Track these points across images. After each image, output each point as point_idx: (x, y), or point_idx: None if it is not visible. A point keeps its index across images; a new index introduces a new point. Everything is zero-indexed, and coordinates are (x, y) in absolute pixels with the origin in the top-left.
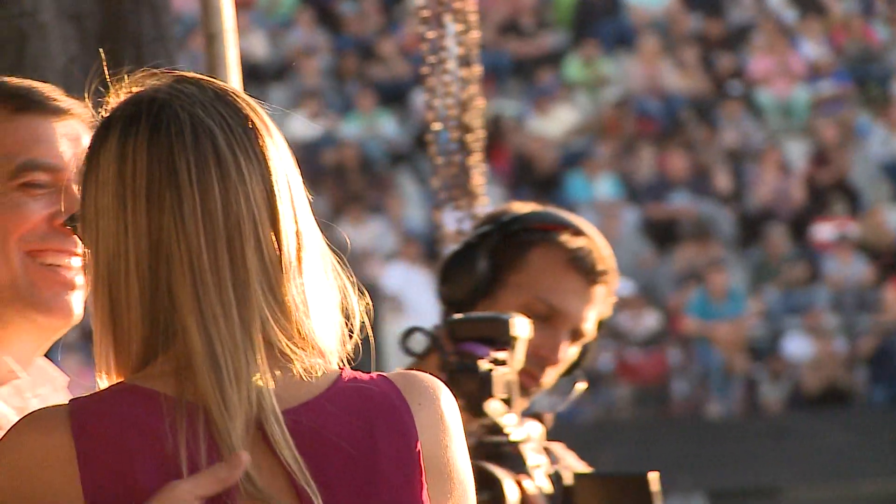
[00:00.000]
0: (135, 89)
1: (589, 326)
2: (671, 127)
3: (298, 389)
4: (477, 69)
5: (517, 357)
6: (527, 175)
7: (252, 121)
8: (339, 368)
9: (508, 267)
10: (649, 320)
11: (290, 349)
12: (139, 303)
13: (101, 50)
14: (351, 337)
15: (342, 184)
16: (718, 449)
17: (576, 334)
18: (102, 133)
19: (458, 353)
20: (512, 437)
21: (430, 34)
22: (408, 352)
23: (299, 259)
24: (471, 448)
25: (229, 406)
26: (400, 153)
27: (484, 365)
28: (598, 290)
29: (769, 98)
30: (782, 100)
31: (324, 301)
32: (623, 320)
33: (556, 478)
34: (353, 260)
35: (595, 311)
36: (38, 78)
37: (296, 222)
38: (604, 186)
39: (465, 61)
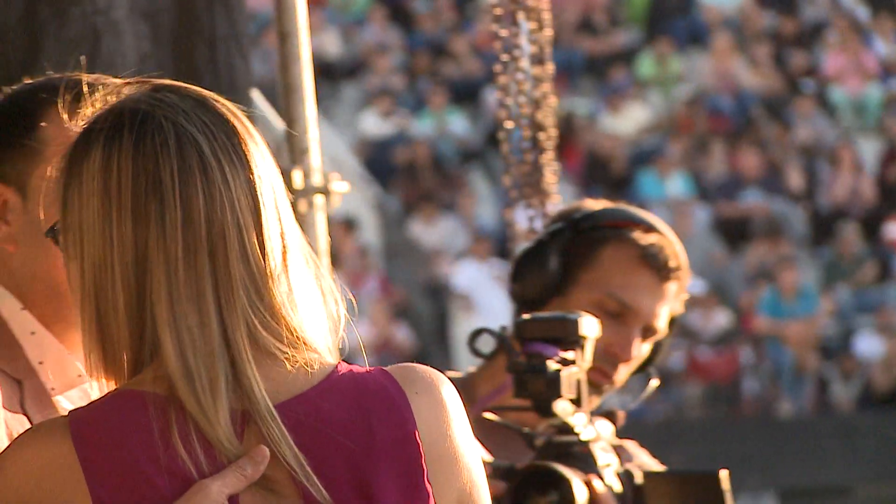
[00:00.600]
0: (111, 99)
1: (661, 323)
2: (743, 125)
3: (293, 384)
4: (550, 67)
5: (586, 356)
6: (598, 173)
7: (234, 126)
8: (336, 363)
9: (580, 264)
10: (720, 319)
11: (279, 349)
12: (126, 315)
13: (174, 48)
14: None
15: (413, 182)
16: (789, 448)
17: (648, 331)
18: (83, 145)
19: (526, 354)
20: (582, 437)
21: (504, 32)
22: (475, 353)
23: (285, 261)
24: (540, 448)
25: (207, 413)
26: (471, 151)
27: (552, 365)
28: (670, 287)
29: (842, 96)
30: (855, 98)
31: (311, 299)
32: (694, 319)
33: (626, 476)
34: (424, 258)
35: (667, 307)
36: (112, 76)
37: (280, 224)
38: (675, 184)
39: (537, 59)
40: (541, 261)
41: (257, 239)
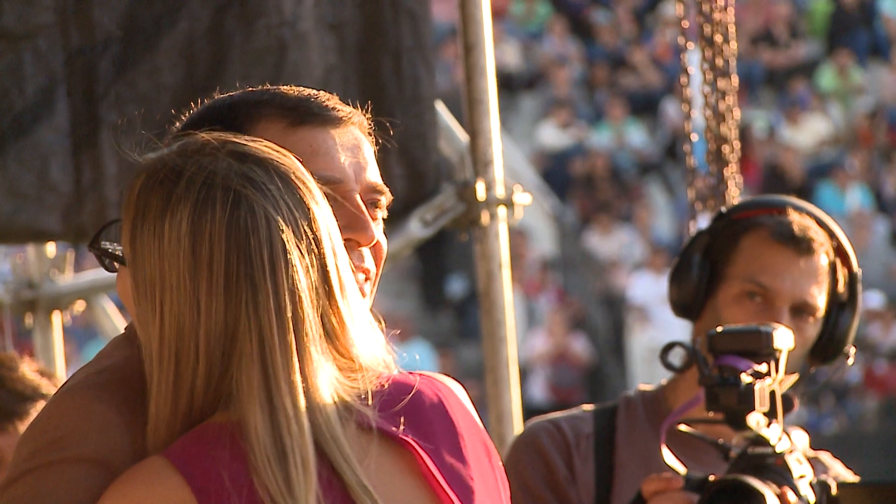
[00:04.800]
0: (189, 148)
1: (813, 300)
2: None
3: (378, 398)
4: (734, 80)
5: (780, 369)
6: (777, 185)
7: (311, 208)
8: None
9: (724, 262)
10: None
11: (356, 376)
12: (204, 381)
13: (360, 60)
14: None
15: (591, 193)
16: None
17: (800, 310)
18: (164, 198)
19: (719, 367)
20: (776, 449)
21: (690, 45)
22: (668, 366)
23: (349, 308)
24: (734, 460)
25: (295, 490)
26: (649, 163)
27: (745, 378)
28: (813, 262)
29: None
30: None
31: (367, 322)
32: (872, 332)
33: (820, 487)
34: (600, 270)
35: (816, 285)
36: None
37: (342, 283)
38: (854, 197)
39: (722, 72)
40: (686, 267)
41: (333, 310)
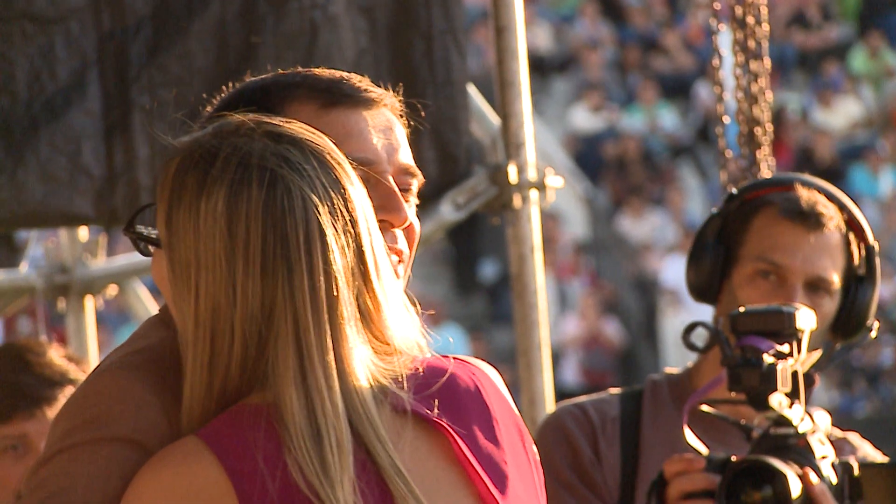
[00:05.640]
0: (224, 129)
1: (826, 276)
2: None
3: (412, 381)
4: (766, 62)
5: (802, 349)
6: (808, 168)
7: (346, 189)
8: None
9: (737, 242)
10: None
11: (391, 359)
12: (241, 360)
13: (391, 42)
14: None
15: (623, 176)
16: None
17: (814, 286)
18: (199, 179)
19: (741, 348)
20: (799, 430)
21: (721, 27)
22: (690, 347)
23: (384, 289)
24: (756, 441)
25: (330, 472)
26: (681, 146)
27: (767, 359)
28: (823, 237)
29: None
30: None
31: (401, 305)
32: None
33: (843, 468)
34: (632, 253)
35: (828, 258)
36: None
37: (377, 264)
38: (887, 180)
39: (754, 54)
40: (702, 251)
41: (368, 291)
